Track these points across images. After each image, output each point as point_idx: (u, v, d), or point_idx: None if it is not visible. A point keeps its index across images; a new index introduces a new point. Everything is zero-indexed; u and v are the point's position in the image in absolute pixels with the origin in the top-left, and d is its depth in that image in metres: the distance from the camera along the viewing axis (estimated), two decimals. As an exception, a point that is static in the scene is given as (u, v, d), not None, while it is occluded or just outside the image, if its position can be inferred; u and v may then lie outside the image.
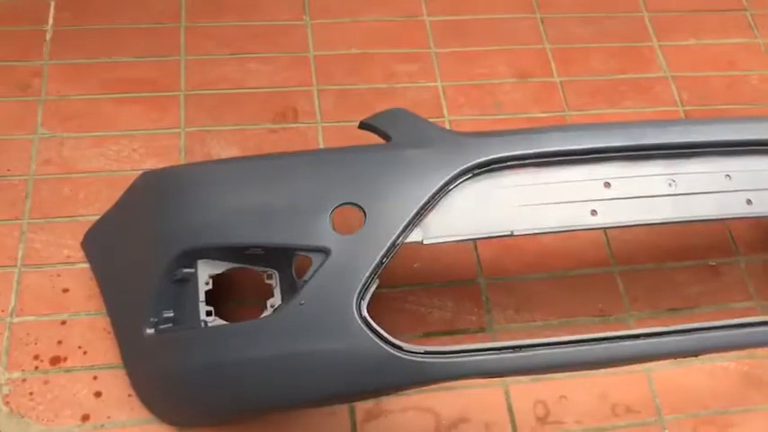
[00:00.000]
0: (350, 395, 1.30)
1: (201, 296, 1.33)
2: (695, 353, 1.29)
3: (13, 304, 1.47)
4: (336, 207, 1.25)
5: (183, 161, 1.68)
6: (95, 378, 1.42)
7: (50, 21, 1.84)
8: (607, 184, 1.32)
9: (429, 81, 1.89)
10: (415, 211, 1.24)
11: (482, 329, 1.56)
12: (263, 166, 1.34)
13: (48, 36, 1.82)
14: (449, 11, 2.02)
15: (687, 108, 1.93)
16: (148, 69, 1.80)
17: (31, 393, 1.39)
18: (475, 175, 1.29)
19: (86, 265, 1.51)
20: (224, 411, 1.33)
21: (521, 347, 1.20)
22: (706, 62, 2.02)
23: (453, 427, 1.44)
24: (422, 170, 1.27)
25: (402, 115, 1.37)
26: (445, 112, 1.84)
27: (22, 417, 1.36)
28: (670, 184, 1.34)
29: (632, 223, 1.33)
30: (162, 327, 1.33)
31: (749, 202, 1.36)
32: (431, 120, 1.39)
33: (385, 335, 1.18)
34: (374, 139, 1.38)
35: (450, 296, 1.59)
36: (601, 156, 1.32)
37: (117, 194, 1.51)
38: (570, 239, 1.67)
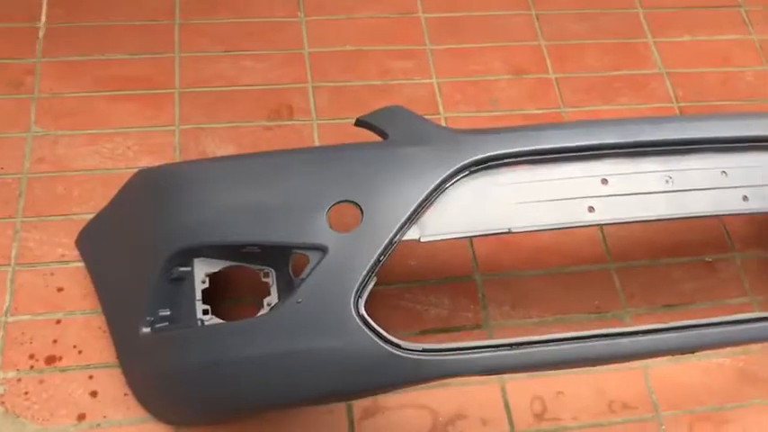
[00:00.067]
0: (348, 394, 1.30)
1: (198, 295, 1.33)
2: (693, 349, 1.30)
3: (7, 303, 1.46)
4: (333, 205, 1.25)
5: (177, 159, 1.67)
6: (91, 377, 1.41)
7: (43, 18, 1.83)
8: (604, 181, 1.32)
9: (424, 78, 1.88)
10: (412, 208, 1.24)
11: (478, 326, 1.56)
12: (260, 164, 1.34)
13: (40, 33, 1.81)
14: (444, 7, 2.01)
15: (682, 104, 1.93)
16: (142, 66, 1.79)
17: (26, 393, 1.38)
18: (472, 173, 1.29)
19: (81, 264, 1.50)
20: (221, 410, 1.33)
21: (518, 345, 1.20)
22: (701, 58, 2.03)
23: (450, 424, 1.45)
24: (419, 168, 1.27)
25: (399, 113, 1.37)
26: (441, 108, 1.84)
27: (18, 416, 1.36)
28: (667, 181, 1.34)
29: (629, 220, 1.33)
30: (158, 325, 1.32)
31: (745, 198, 1.37)
32: (426, 117, 1.39)
33: (383, 333, 1.18)
34: (370, 136, 1.38)
35: (447, 293, 1.59)
36: (598, 153, 1.32)
37: (111, 192, 1.51)
38: (566, 236, 1.67)
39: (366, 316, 1.19)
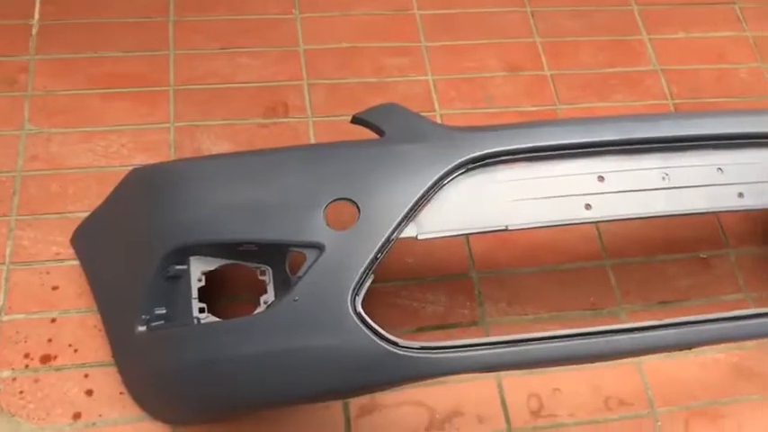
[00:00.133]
0: (345, 392, 1.30)
1: (194, 293, 1.32)
2: (689, 346, 1.30)
3: (1, 302, 1.45)
4: (330, 202, 1.25)
5: (172, 156, 1.66)
6: (86, 376, 1.40)
7: (36, 15, 1.82)
8: (601, 178, 1.32)
9: (420, 75, 1.88)
10: (409, 206, 1.24)
11: (474, 323, 1.56)
12: (256, 162, 1.33)
13: (34, 31, 1.80)
14: (439, 4, 2.01)
15: (677, 101, 1.93)
16: (136, 64, 1.78)
17: (21, 392, 1.37)
18: (469, 170, 1.29)
19: (76, 263, 1.50)
20: (217, 409, 1.33)
21: (516, 342, 1.20)
22: (695, 55, 2.03)
23: (447, 422, 1.45)
24: (416, 165, 1.27)
25: (395, 110, 1.37)
26: (436, 105, 1.83)
27: (13, 416, 1.35)
28: (663, 178, 1.34)
29: (626, 217, 1.33)
30: (154, 324, 1.32)
31: (741, 195, 1.37)
32: (422, 114, 1.38)
33: (380, 331, 1.18)
34: (365, 133, 1.38)
35: (443, 290, 1.59)
36: (595, 150, 1.33)
37: (106, 190, 1.50)
38: (562, 233, 1.67)
39: (363, 314, 1.19)
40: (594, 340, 1.22)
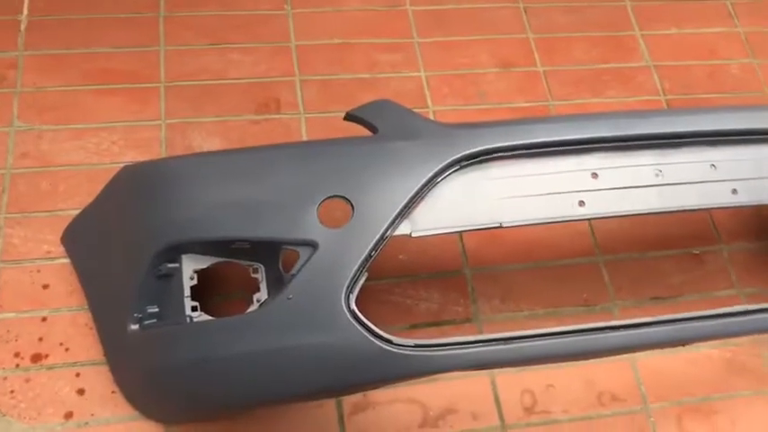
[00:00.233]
0: (339, 390, 1.30)
1: (186, 291, 1.31)
2: (683, 342, 1.30)
3: (-9, 301, 1.44)
4: (324, 200, 1.24)
5: (163, 153, 1.65)
6: (78, 375, 1.39)
7: (25, 10, 1.80)
8: (594, 175, 1.32)
9: (412, 71, 1.88)
10: (403, 203, 1.24)
11: (468, 320, 1.56)
12: (249, 159, 1.32)
13: (22, 26, 1.78)
14: (431, 0, 2.00)
15: (669, 97, 1.94)
16: (127, 60, 1.77)
17: (12, 391, 1.36)
18: (463, 167, 1.28)
19: (67, 261, 1.49)
20: (210, 407, 1.32)
21: (510, 339, 1.20)
22: (687, 51, 2.04)
23: (441, 419, 1.44)
24: (410, 162, 1.27)
25: (389, 107, 1.36)
26: (429, 102, 1.83)
27: (4, 415, 1.34)
28: (657, 175, 1.34)
29: (620, 214, 1.33)
30: (146, 322, 1.31)
31: (734, 191, 1.38)
32: (415, 110, 1.38)
33: (374, 328, 1.17)
34: (358, 130, 1.37)
35: (436, 287, 1.59)
36: (588, 147, 1.33)
37: (97, 188, 1.49)
38: (555, 229, 1.67)
39: (357, 312, 1.18)
40: (587, 337, 1.22)
